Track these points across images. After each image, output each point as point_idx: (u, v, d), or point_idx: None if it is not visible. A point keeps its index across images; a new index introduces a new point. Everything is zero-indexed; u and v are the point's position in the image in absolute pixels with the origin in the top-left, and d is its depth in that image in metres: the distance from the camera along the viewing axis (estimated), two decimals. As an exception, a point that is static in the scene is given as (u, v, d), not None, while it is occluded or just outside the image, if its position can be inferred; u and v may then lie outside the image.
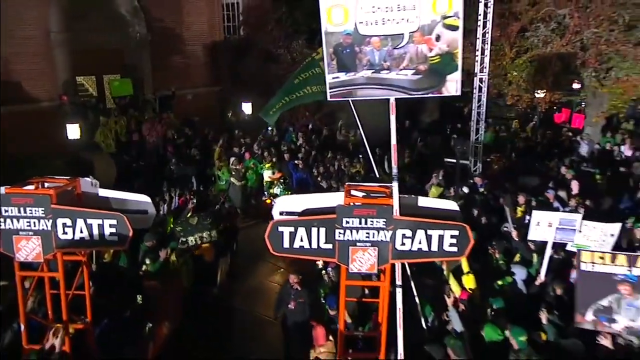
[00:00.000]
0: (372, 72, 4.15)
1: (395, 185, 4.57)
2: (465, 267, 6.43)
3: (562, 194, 10.13)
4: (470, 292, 6.23)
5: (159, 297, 6.82)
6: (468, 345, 5.03)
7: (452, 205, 5.01)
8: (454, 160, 12.43)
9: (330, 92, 4.30)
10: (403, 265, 5.94)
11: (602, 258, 3.57)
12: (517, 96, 14.34)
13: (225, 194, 10.54)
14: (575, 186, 10.75)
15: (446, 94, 4.18)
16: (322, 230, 4.60)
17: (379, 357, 4.98)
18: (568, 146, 15.32)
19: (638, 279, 3.44)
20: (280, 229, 4.63)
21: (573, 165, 12.66)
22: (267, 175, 11.56)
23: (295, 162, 11.76)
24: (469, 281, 6.32)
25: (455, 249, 4.55)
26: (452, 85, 4.09)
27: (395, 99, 4.41)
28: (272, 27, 16.27)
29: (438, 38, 3.96)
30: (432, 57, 4.02)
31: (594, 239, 6.73)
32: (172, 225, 7.84)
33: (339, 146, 13.33)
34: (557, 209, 9.03)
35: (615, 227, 6.73)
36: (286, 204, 5.12)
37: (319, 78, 6.98)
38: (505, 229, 8.05)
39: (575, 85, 16.23)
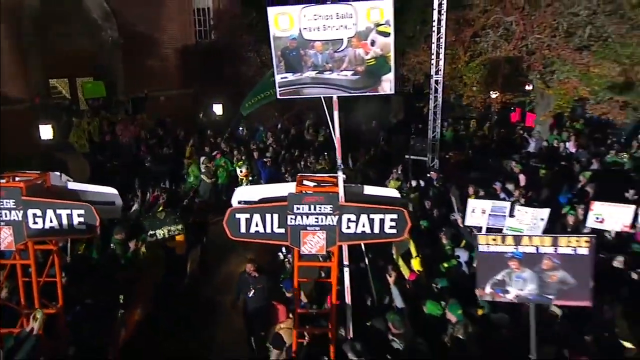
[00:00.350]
0: (316, 73, 4.51)
1: (340, 175, 4.94)
2: (413, 251, 6.88)
3: (510, 186, 10.76)
4: (418, 273, 6.69)
5: (130, 286, 7.05)
6: (407, 320, 5.45)
7: (393, 192, 5.40)
8: (414, 157, 13.00)
9: (279, 91, 4.65)
10: (360, 249, 6.39)
11: (494, 240, 4.00)
12: (472, 97, 14.94)
13: (195, 189, 10.75)
14: (522, 179, 11.48)
15: (382, 93, 4.56)
16: (276, 216, 4.94)
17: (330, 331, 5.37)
18: (519, 143, 16.12)
19: (523, 255, 3.88)
20: (237, 215, 4.93)
21: (522, 160, 13.39)
22: (239, 171, 11.81)
23: (264, 160, 12.03)
24: (417, 264, 6.77)
25: (395, 230, 4.93)
26: (387, 85, 4.49)
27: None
28: (242, 32, 16.48)
29: (373, 43, 4.34)
30: (368, 59, 4.40)
31: (526, 223, 7.30)
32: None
33: (306, 145, 13.67)
34: (504, 199, 9.62)
35: (545, 212, 7.31)
36: (244, 193, 5.42)
37: None
38: (452, 217, 8.53)
39: (528, 87, 17.07)
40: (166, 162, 11.84)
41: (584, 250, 3.71)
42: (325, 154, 11.89)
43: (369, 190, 5.42)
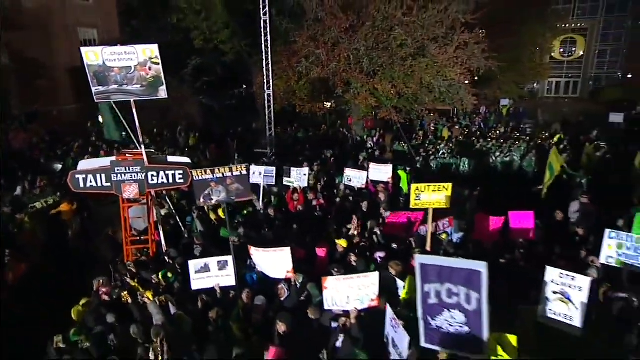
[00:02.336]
0: (118, 86, 6.39)
1: (143, 150, 6.89)
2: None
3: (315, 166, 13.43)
4: (223, 216, 8.82)
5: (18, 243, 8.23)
6: (208, 239, 7.54)
7: (186, 160, 7.50)
8: (259, 150, 15.30)
9: (96, 97, 6.44)
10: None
11: (202, 172, 5.97)
12: (302, 106, 17.47)
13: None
14: (331, 161, 14.30)
15: (160, 97, 6.59)
16: (104, 175, 6.76)
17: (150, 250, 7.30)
18: (342, 138, 19.30)
19: (217, 178, 6.02)
20: (77, 176, 6.67)
21: (336, 150, 16.38)
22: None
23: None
24: (221, 212, 8.92)
25: (182, 180, 7.02)
26: (162, 92, 6.53)
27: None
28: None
29: (150, 68, 6.37)
30: (148, 78, 6.41)
31: (295, 178, 9.84)
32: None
33: (176, 144, 15.19)
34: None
35: (305, 170, 9.91)
36: (86, 164, 7.12)
37: None
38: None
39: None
40: (56, 160, 12.63)
41: (244, 172, 6.06)
42: (186, 149, 13.62)
43: (171, 158, 7.47)
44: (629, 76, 34.56)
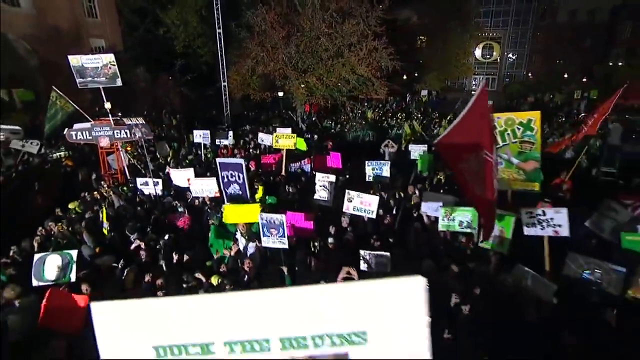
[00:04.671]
0: (92, 79, 9.10)
1: (111, 118, 9.65)
2: (172, 153, 11.83)
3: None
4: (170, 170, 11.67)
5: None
6: (157, 174, 10.41)
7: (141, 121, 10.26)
8: (220, 126, 17.95)
9: (79, 84, 9.14)
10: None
11: (124, 122, 8.92)
12: (254, 95, 19.99)
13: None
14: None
15: (116, 85, 9.28)
16: (87, 131, 9.55)
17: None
18: (288, 118, 21.88)
19: (133, 125, 8.87)
20: (71, 132, 9.45)
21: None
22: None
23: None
24: (174, 155, 11.76)
25: (140, 135, 9.83)
26: (118, 82, 9.23)
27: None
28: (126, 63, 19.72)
29: (110, 68, 9.06)
30: (109, 74, 9.10)
31: (224, 138, 12.60)
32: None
33: (162, 125, 17.85)
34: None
35: (230, 133, 12.64)
36: (77, 126, 9.88)
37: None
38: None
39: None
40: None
41: (143, 121, 8.84)
42: (164, 126, 16.24)
43: (127, 121, 10.22)
44: (530, 75, 37.07)
